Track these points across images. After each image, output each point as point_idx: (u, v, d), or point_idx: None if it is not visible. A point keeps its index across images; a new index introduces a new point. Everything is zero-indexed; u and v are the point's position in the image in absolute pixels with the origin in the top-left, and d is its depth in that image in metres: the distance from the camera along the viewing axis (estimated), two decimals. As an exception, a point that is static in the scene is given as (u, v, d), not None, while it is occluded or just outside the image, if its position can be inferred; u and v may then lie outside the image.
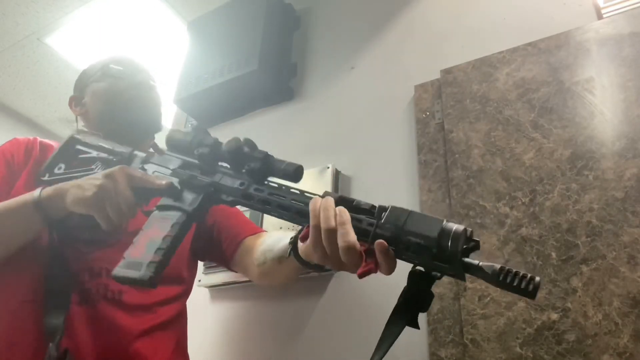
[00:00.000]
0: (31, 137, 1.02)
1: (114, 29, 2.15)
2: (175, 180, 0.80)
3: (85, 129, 1.05)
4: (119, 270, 0.70)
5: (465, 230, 0.54)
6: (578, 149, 0.99)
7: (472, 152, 1.11)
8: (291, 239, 0.82)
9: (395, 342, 1.14)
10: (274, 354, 1.22)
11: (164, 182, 0.78)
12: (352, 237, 0.58)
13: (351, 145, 1.40)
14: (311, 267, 0.80)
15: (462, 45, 1.32)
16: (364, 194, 1.29)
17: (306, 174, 1.34)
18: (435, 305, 1.02)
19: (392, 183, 1.24)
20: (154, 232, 0.73)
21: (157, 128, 1.08)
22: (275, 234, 0.96)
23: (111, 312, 0.86)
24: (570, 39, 1.10)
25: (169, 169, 0.83)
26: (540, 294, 0.91)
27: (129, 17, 2.10)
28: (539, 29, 1.18)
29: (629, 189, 0.91)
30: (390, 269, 0.59)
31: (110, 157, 0.90)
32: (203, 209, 0.76)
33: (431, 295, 0.59)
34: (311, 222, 0.62)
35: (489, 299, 0.95)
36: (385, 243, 0.57)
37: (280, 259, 0.88)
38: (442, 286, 1.03)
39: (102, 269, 0.89)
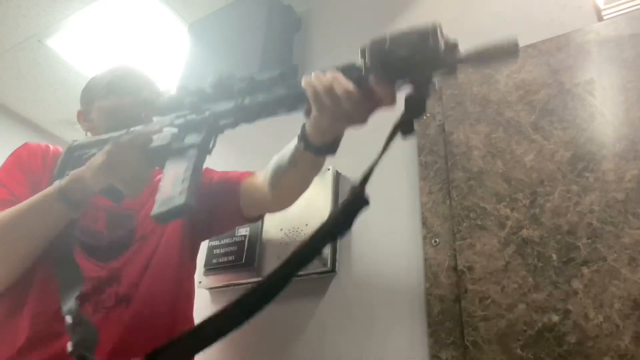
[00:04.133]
0: (43, 144, 1.02)
1: (114, 30, 2.15)
2: (174, 130, 0.82)
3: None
4: (155, 210, 0.73)
5: (435, 25, 0.58)
6: (579, 151, 0.99)
7: (472, 154, 1.11)
8: (299, 135, 0.81)
9: (396, 344, 1.13)
10: (274, 356, 1.22)
11: (159, 127, 0.82)
12: (348, 83, 0.63)
13: (351, 147, 1.39)
14: (323, 151, 0.80)
15: (462, 46, 1.32)
16: (364, 196, 1.29)
17: (307, 175, 1.34)
18: (435, 307, 1.02)
19: (393, 185, 1.24)
20: (174, 171, 0.76)
21: None
22: (275, 157, 0.96)
23: (122, 313, 0.89)
24: (570, 41, 1.10)
25: (166, 125, 0.85)
26: (541, 296, 0.91)
27: (129, 19, 2.10)
28: (539, 31, 1.18)
29: (629, 191, 0.90)
30: (392, 97, 0.63)
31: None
32: (209, 138, 0.79)
33: (424, 108, 0.61)
34: (309, 92, 0.66)
35: (489, 300, 0.95)
36: (378, 74, 0.61)
37: (292, 160, 0.87)
38: (443, 288, 1.02)
39: (112, 278, 0.91)
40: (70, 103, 2.56)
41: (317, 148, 0.79)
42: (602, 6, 1.15)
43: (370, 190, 1.40)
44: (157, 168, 0.82)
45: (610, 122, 0.98)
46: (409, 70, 0.59)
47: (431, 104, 1.26)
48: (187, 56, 1.84)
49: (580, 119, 1.01)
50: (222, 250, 1.36)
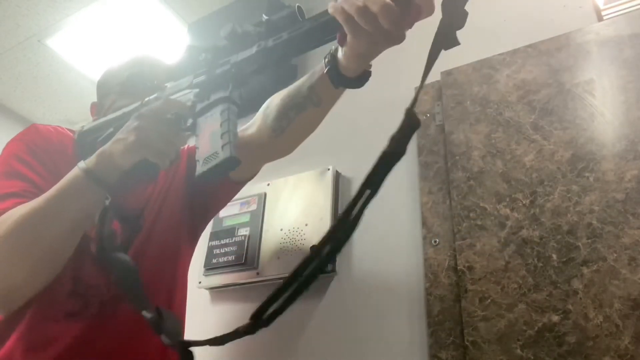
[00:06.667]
0: (51, 127, 0.97)
1: (114, 30, 2.15)
2: (196, 90, 0.79)
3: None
4: (200, 170, 0.70)
5: None
6: (578, 151, 0.99)
7: (472, 154, 1.11)
8: (326, 58, 0.75)
9: (396, 344, 1.13)
10: (274, 355, 1.22)
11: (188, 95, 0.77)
12: None
13: (351, 147, 1.40)
14: (354, 83, 0.76)
15: (463, 46, 1.32)
16: (364, 196, 1.29)
17: (306, 175, 1.35)
18: (435, 307, 1.02)
19: (393, 185, 1.24)
20: (209, 127, 0.73)
21: None
22: (275, 100, 0.89)
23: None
24: (570, 41, 1.10)
25: (184, 87, 0.82)
26: (541, 296, 0.91)
27: (129, 19, 2.10)
28: (539, 31, 1.18)
29: (629, 191, 0.90)
30: (431, 4, 0.62)
31: (126, 120, 0.86)
32: (239, 89, 0.75)
33: (466, 13, 0.57)
34: (341, 18, 0.61)
35: (489, 300, 0.95)
36: None
37: (315, 99, 0.81)
38: (443, 288, 1.02)
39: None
40: (70, 103, 2.56)
41: (349, 80, 0.74)
42: (602, 6, 1.15)
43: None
44: (187, 132, 0.78)
45: (610, 122, 0.98)
46: None
47: (431, 104, 1.26)
48: (187, 56, 1.83)
49: (580, 119, 1.01)
50: (222, 250, 1.36)
